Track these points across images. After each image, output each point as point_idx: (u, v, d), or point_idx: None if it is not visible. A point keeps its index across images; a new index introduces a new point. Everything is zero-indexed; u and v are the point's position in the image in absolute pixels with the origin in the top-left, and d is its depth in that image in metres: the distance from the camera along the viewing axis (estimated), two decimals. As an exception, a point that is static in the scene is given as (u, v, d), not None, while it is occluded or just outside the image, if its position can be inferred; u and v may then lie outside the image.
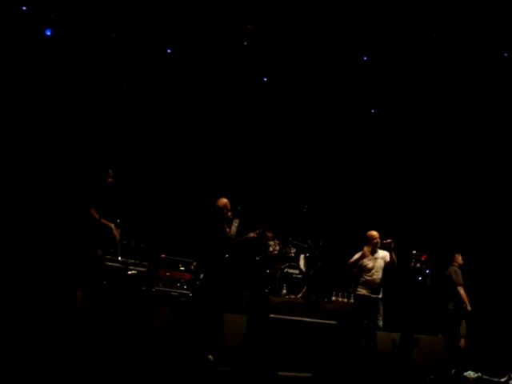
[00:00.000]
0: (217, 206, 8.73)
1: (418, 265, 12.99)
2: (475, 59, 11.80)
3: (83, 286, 7.83)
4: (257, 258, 11.83)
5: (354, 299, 10.04)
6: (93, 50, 11.51)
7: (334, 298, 11.86)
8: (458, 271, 10.61)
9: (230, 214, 8.72)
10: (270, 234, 12.15)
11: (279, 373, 6.33)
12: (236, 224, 8.73)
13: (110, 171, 8.28)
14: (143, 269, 10.52)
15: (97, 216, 7.88)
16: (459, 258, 10.82)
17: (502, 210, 13.10)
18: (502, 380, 8.94)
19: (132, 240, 10.51)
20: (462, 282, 10.42)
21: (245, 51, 12.21)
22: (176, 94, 12.73)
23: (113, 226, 8.12)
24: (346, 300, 11.84)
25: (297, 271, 11.56)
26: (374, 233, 9.72)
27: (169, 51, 12.12)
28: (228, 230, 8.67)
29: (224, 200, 8.76)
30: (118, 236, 8.30)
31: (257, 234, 8.64)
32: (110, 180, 8.23)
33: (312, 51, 12.22)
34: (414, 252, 13.12)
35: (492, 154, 13.22)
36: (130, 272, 10.26)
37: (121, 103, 12.11)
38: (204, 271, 8.59)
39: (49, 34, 11.11)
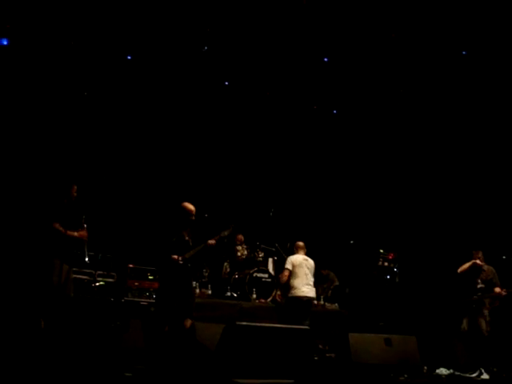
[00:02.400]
0: (183, 210, 8.55)
1: (386, 263, 13.09)
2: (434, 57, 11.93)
3: (46, 310, 7.61)
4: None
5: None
6: (53, 57, 11.33)
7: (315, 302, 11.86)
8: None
9: (193, 219, 8.55)
10: (240, 237, 12.14)
11: (237, 380, 6.25)
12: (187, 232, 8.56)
13: (74, 186, 8.13)
14: (111, 279, 10.39)
15: (61, 229, 7.73)
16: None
17: (466, 206, 13.24)
18: (473, 375, 9.02)
19: (99, 252, 10.39)
20: None
21: (205, 55, 12.17)
22: (138, 100, 12.62)
23: (76, 233, 7.94)
24: (315, 302, 11.85)
25: (266, 275, 11.55)
26: None
27: (129, 58, 12.02)
28: (187, 238, 8.48)
29: (191, 206, 8.60)
30: (86, 236, 8.07)
31: (216, 240, 8.48)
32: (74, 194, 8.07)
33: (272, 53, 12.22)
34: (382, 251, 13.21)
35: (458, 151, 13.33)
36: (97, 283, 10.13)
37: (82, 113, 11.97)
38: (165, 279, 8.40)
39: (5, 43, 10.92)
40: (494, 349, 9.62)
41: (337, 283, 12.46)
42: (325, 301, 11.88)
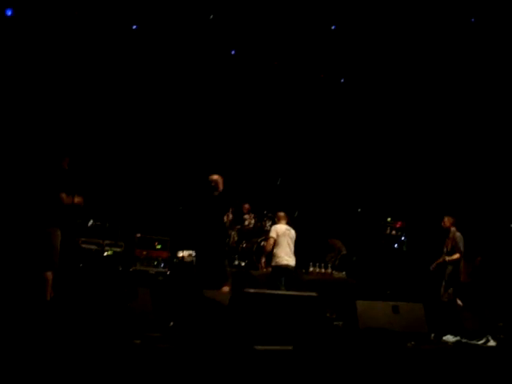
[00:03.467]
0: (209, 181, 8.72)
1: (394, 232, 13.11)
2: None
3: (52, 266, 7.67)
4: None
5: None
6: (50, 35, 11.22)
7: (311, 269, 11.88)
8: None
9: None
10: (247, 206, 12.13)
11: (258, 347, 6.31)
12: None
13: (67, 158, 8.10)
14: (119, 249, 10.44)
15: (68, 200, 7.75)
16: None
17: (474, 177, 13.21)
18: (480, 342, 9.02)
19: (107, 221, 10.42)
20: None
21: (212, 24, 12.07)
22: (140, 66, 12.54)
23: (76, 199, 7.92)
24: (323, 270, 11.88)
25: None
26: None
27: (134, 27, 11.94)
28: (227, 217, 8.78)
29: (216, 176, 8.76)
30: (81, 202, 8.07)
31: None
32: (65, 167, 8.05)
33: (280, 21, 12.11)
34: (389, 219, 13.23)
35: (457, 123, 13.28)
36: (105, 253, 10.18)
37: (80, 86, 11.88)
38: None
39: (9, 13, 10.84)
40: (501, 316, 9.68)
41: (344, 252, 12.47)
42: (332, 269, 11.91)
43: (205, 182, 8.75)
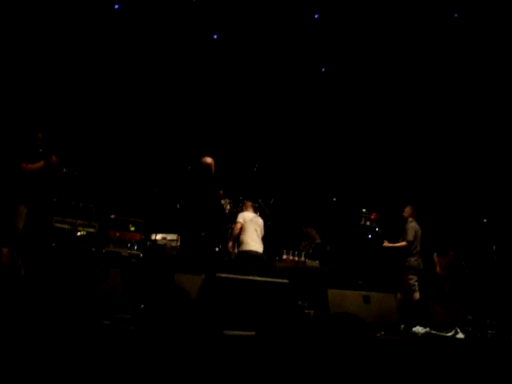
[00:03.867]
0: (204, 164, 8.85)
1: (368, 223, 13.16)
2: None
3: (10, 242, 7.54)
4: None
5: None
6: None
7: (284, 257, 11.89)
8: None
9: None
10: (220, 192, 12.09)
11: (226, 332, 6.30)
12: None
13: (39, 133, 7.98)
14: (92, 230, 10.37)
15: (33, 167, 7.62)
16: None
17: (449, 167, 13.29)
18: (449, 334, 9.13)
19: (80, 201, 10.33)
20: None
21: (194, 8, 11.98)
22: (124, 52, 12.44)
23: (41, 162, 7.81)
24: (296, 258, 11.89)
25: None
26: None
27: (116, 7, 11.81)
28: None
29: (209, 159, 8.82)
30: (55, 161, 7.95)
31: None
32: (39, 142, 7.92)
33: (262, 7, 12.06)
34: (364, 210, 13.27)
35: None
36: (79, 233, 10.11)
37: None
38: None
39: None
40: (472, 308, 9.79)
41: (318, 241, 12.50)
42: (306, 258, 11.92)
43: (199, 165, 8.82)
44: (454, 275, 12.17)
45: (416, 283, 10.48)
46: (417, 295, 10.38)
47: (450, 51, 12.37)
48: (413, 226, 10.82)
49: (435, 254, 12.41)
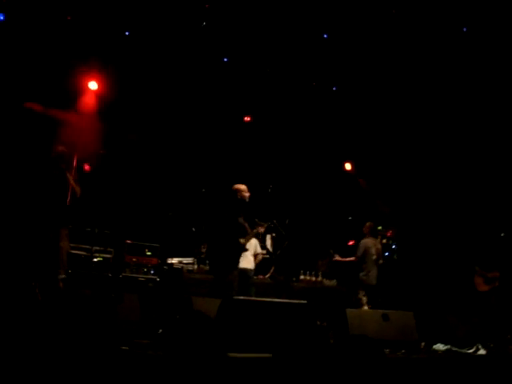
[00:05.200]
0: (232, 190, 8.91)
1: (384, 240, 13.10)
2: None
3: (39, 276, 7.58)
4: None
5: None
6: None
7: (302, 277, 11.86)
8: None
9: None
10: None
11: (236, 355, 6.25)
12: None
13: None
14: (109, 255, 10.40)
15: None
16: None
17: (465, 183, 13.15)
18: (470, 351, 9.02)
19: (96, 227, 10.37)
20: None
21: (204, 31, 12.04)
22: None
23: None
24: (313, 278, 11.85)
25: (264, 251, 11.53)
26: None
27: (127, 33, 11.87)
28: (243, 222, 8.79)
29: (242, 186, 8.91)
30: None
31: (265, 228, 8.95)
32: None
33: (271, 29, 12.08)
34: (380, 228, 13.21)
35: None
36: (95, 259, 10.13)
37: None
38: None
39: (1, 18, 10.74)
40: (493, 324, 9.66)
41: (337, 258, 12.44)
42: (323, 277, 11.88)
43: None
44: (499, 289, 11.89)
45: (364, 297, 10.76)
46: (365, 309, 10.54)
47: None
48: (364, 242, 11.11)
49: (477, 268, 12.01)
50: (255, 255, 10.43)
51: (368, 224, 11.22)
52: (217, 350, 5.84)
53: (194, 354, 5.43)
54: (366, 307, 10.49)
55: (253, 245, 10.39)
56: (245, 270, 10.15)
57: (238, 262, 8.81)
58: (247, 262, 10.13)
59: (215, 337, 6.51)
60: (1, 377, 4.61)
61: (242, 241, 8.63)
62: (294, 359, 5.10)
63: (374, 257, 10.95)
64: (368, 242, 10.97)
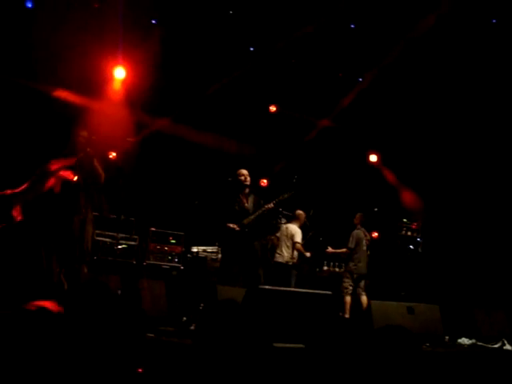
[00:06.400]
0: (236, 175, 8.84)
1: (409, 233, 13.02)
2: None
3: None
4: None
5: None
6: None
7: (325, 268, 11.84)
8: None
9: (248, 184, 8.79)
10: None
11: (276, 344, 6.25)
12: (251, 199, 8.82)
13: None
14: (133, 243, 10.44)
15: None
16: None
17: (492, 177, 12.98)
18: (496, 346, 8.97)
19: (121, 214, 10.40)
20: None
21: (230, 20, 11.99)
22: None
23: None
24: (337, 269, 11.82)
25: (303, 241, 11.50)
26: None
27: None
28: (247, 204, 8.68)
29: (242, 170, 8.79)
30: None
31: (274, 204, 8.71)
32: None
33: (298, 18, 12.00)
34: (405, 220, 13.13)
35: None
36: (120, 246, 10.17)
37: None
38: (225, 248, 8.76)
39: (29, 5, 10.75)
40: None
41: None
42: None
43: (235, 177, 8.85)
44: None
45: (350, 286, 10.62)
46: (348, 299, 10.54)
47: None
48: (356, 233, 11.01)
49: None
50: (293, 244, 10.47)
51: (358, 215, 11.18)
52: (262, 340, 5.82)
53: (236, 344, 5.42)
54: (349, 297, 10.48)
55: (289, 235, 10.50)
56: (279, 264, 10.22)
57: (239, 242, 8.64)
58: (281, 256, 10.45)
59: (259, 327, 6.49)
60: (24, 362, 4.64)
61: (244, 221, 8.57)
62: (326, 350, 5.06)
63: (365, 247, 10.94)
64: (360, 233, 10.95)
